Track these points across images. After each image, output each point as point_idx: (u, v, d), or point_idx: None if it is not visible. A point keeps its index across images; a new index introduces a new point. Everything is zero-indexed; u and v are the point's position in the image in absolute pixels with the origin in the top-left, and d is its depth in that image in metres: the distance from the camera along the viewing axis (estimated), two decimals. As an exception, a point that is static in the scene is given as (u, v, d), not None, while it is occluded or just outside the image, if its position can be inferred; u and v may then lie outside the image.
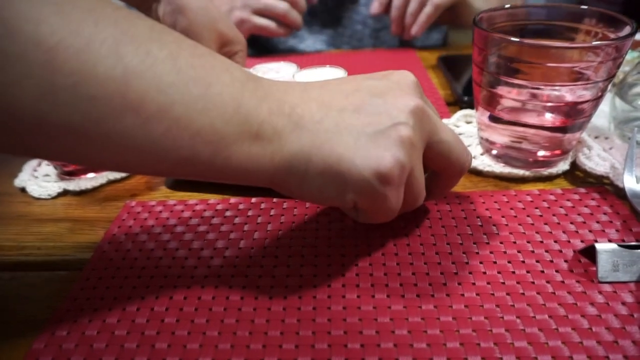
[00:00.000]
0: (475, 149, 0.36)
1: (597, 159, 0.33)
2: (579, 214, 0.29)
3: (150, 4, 0.40)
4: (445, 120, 0.40)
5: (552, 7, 0.32)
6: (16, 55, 0.17)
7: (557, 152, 0.32)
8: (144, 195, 0.34)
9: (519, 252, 0.26)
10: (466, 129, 0.40)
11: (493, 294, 0.23)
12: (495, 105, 0.32)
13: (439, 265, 0.25)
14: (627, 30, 0.28)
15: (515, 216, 0.29)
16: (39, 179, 0.37)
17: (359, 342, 0.21)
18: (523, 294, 0.23)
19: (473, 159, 0.35)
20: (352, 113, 0.22)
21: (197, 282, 0.25)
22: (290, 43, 0.72)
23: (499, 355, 0.20)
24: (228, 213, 0.31)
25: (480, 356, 0.20)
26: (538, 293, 0.23)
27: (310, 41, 0.73)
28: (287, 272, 0.26)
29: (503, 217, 0.29)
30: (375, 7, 0.63)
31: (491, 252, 0.26)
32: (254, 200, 0.32)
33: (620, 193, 0.30)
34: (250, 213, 0.31)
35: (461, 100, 0.45)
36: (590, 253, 0.25)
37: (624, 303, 0.22)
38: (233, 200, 0.32)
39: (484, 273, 0.25)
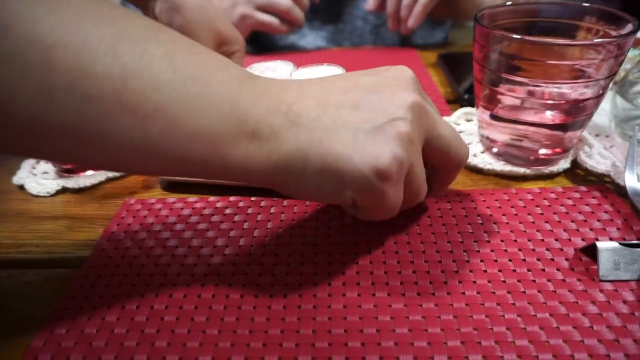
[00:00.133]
0: (476, 147, 0.36)
1: (598, 157, 0.33)
2: (580, 212, 0.29)
3: (147, 2, 0.39)
4: (445, 119, 0.40)
5: (554, 4, 0.32)
6: (13, 54, 0.17)
7: (558, 150, 0.32)
8: (143, 192, 0.34)
9: (519, 250, 0.26)
10: (467, 127, 0.39)
11: (494, 293, 0.23)
12: (496, 103, 0.32)
13: (440, 263, 0.25)
14: (629, 27, 0.28)
15: (516, 214, 0.29)
16: (38, 177, 0.36)
17: (360, 341, 0.21)
18: (524, 292, 0.23)
19: (474, 157, 0.35)
20: (349, 110, 0.22)
21: (197, 280, 0.25)
22: (291, 39, 0.72)
23: (500, 354, 0.20)
24: (228, 211, 0.31)
25: (481, 355, 0.20)
26: (539, 291, 0.23)
27: (311, 37, 0.73)
28: (287, 270, 0.26)
29: (504, 215, 0.29)
30: (371, 3, 0.63)
31: (492, 251, 0.26)
32: (253, 198, 0.32)
33: (621, 191, 0.30)
34: (250, 211, 0.31)
35: (461, 98, 0.45)
36: (591, 251, 0.25)
37: (625, 302, 0.22)
38: (233, 198, 0.32)
39: (485, 271, 0.25)
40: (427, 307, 0.23)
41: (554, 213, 0.29)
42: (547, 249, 0.26)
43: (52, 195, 0.35)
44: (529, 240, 0.27)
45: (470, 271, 0.25)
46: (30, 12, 0.17)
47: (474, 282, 0.24)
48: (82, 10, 0.18)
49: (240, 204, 0.31)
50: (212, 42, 0.38)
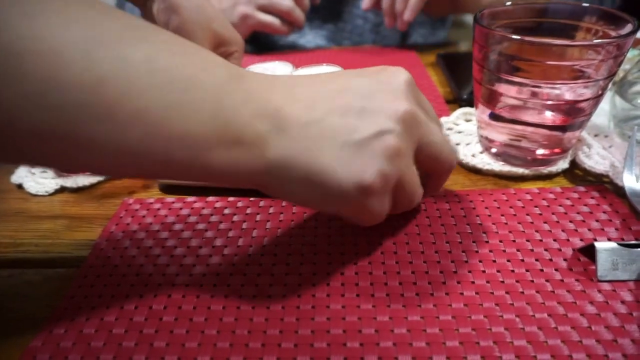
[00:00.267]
0: (475, 147, 0.36)
1: (597, 158, 0.33)
2: (578, 213, 0.29)
3: (146, 1, 0.39)
4: (444, 119, 0.40)
5: (553, 5, 0.32)
6: None
7: (557, 150, 0.32)
8: (142, 192, 0.34)
9: (518, 250, 0.26)
10: (465, 127, 0.39)
11: (492, 293, 0.23)
12: (495, 103, 0.32)
13: (439, 264, 0.25)
14: (628, 28, 0.28)
15: (515, 215, 0.29)
16: (36, 176, 0.36)
17: (359, 341, 0.21)
18: (522, 292, 0.23)
19: (473, 157, 0.35)
20: (339, 117, 0.22)
21: (196, 281, 0.25)
22: (291, 38, 0.72)
23: (499, 354, 0.20)
24: (227, 211, 0.31)
25: (480, 355, 0.20)
26: (537, 292, 0.23)
27: (311, 36, 0.73)
28: (286, 270, 0.26)
29: (502, 215, 0.29)
30: (366, 2, 0.62)
31: (490, 251, 0.26)
32: (252, 198, 0.32)
33: (619, 192, 0.30)
34: (249, 211, 0.31)
35: (460, 98, 0.45)
36: (589, 252, 0.25)
37: (623, 302, 0.22)
38: (231, 198, 0.32)
39: (483, 272, 0.25)
40: (425, 307, 0.23)
41: (553, 213, 0.29)
42: (546, 250, 0.26)
43: (51, 195, 0.35)
44: (528, 240, 0.27)
45: (469, 271, 0.25)
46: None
47: (473, 282, 0.24)
48: (55, 12, 0.18)
49: (239, 204, 0.31)
50: (209, 42, 0.38)
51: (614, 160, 0.32)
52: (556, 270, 0.25)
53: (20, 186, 0.36)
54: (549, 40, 0.27)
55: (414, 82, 0.24)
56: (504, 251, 0.26)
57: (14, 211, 0.33)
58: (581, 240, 0.26)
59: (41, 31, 0.17)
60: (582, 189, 0.31)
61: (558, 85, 0.29)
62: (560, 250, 0.26)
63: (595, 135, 0.36)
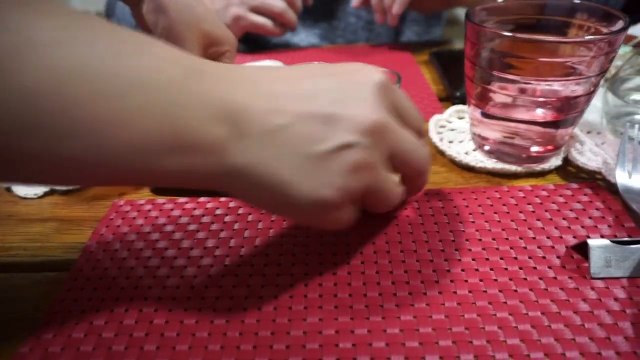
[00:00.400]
0: (468, 145, 0.36)
1: (590, 154, 0.33)
2: (571, 210, 0.29)
3: (139, 1, 0.39)
4: (437, 116, 0.40)
5: (545, 1, 0.32)
6: None
7: (550, 147, 0.32)
8: (132, 193, 0.34)
9: (511, 248, 0.26)
10: (458, 124, 0.39)
11: (486, 291, 0.23)
12: (487, 100, 0.31)
13: (431, 262, 0.25)
14: (619, 24, 0.28)
15: (508, 212, 0.29)
16: (26, 178, 0.36)
17: (351, 342, 0.21)
18: (515, 290, 0.23)
19: (466, 155, 0.35)
20: (303, 124, 0.20)
21: (187, 283, 0.25)
22: (284, 37, 0.71)
23: (492, 353, 0.20)
24: (218, 211, 0.31)
25: (473, 354, 0.20)
26: (530, 290, 0.23)
27: (304, 35, 0.72)
28: (278, 270, 0.25)
29: (495, 213, 0.29)
30: (355, 0, 0.62)
31: (483, 249, 0.26)
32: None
33: (612, 188, 0.30)
34: (240, 211, 0.30)
35: (453, 95, 0.44)
36: (582, 249, 0.25)
37: (616, 299, 0.22)
38: (223, 198, 0.32)
39: (477, 270, 0.25)
40: (418, 307, 0.23)
41: (546, 211, 0.29)
42: (539, 247, 0.26)
43: (40, 197, 0.34)
44: (521, 238, 0.27)
45: (462, 270, 0.25)
46: None
47: (466, 281, 0.24)
48: None
49: (231, 205, 0.31)
50: (198, 43, 0.37)
51: (606, 157, 0.32)
52: (549, 267, 0.24)
53: (8, 189, 0.35)
54: (540, 37, 0.27)
55: (389, 83, 0.23)
56: (497, 249, 0.26)
57: (3, 214, 0.33)
58: (574, 237, 0.26)
59: None
60: (575, 186, 0.31)
61: (550, 82, 0.29)
62: (553, 247, 0.26)
63: (588, 132, 0.36)
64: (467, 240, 0.27)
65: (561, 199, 0.30)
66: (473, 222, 0.28)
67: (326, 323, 0.22)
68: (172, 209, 0.31)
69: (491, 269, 0.25)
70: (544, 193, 0.30)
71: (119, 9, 0.69)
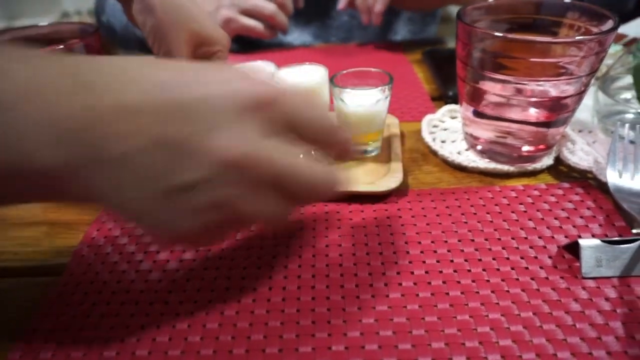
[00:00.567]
0: (460, 145, 0.36)
1: (581, 154, 0.33)
2: (562, 209, 0.29)
3: (131, 1, 0.38)
4: (430, 116, 0.40)
5: (536, 1, 0.32)
6: None
7: (542, 147, 0.32)
8: (124, 196, 0.33)
9: (503, 248, 0.26)
10: (451, 124, 0.39)
11: (478, 292, 0.23)
12: (479, 100, 0.31)
13: (424, 264, 0.25)
14: (609, 24, 0.28)
15: (500, 212, 0.29)
16: (16, 181, 0.35)
17: (343, 345, 0.21)
18: (507, 291, 0.23)
19: (458, 155, 0.35)
20: (159, 151, 0.18)
21: (179, 287, 0.25)
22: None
23: (484, 355, 0.20)
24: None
25: (466, 356, 0.20)
26: (522, 290, 0.23)
27: (297, 34, 0.72)
28: (274, 270, 0.25)
29: (488, 213, 0.29)
30: (341, 2, 0.62)
31: (476, 250, 0.26)
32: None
33: (603, 187, 0.30)
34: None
35: (446, 95, 0.44)
36: (574, 249, 0.25)
37: (607, 299, 0.23)
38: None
39: (469, 271, 0.25)
40: (411, 308, 0.23)
41: (537, 210, 0.29)
42: (531, 247, 0.26)
43: (31, 201, 0.34)
44: (513, 238, 0.27)
45: (455, 271, 0.25)
46: None
47: (458, 282, 0.24)
48: None
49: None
50: (187, 43, 0.36)
51: (597, 156, 0.32)
52: (541, 267, 0.25)
53: (-2, 192, 0.35)
54: (531, 38, 0.27)
55: (269, 99, 0.20)
56: (490, 249, 0.26)
57: (-7, 218, 0.32)
58: (566, 237, 0.27)
59: None
60: (566, 185, 0.31)
61: (541, 82, 0.29)
62: (545, 247, 0.26)
63: (580, 131, 0.36)
64: (459, 240, 0.27)
65: (553, 199, 0.30)
66: (466, 222, 0.28)
67: (319, 326, 0.22)
68: (164, 212, 0.31)
69: (484, 270, 0.25)
70: (536, 193, 0.30)
71: (109, 7, 0.68)
